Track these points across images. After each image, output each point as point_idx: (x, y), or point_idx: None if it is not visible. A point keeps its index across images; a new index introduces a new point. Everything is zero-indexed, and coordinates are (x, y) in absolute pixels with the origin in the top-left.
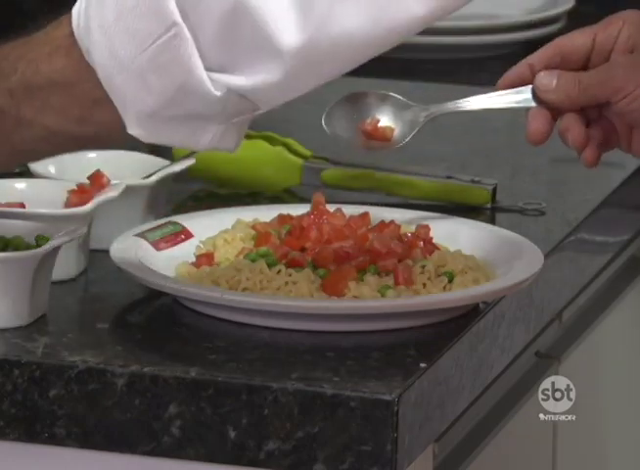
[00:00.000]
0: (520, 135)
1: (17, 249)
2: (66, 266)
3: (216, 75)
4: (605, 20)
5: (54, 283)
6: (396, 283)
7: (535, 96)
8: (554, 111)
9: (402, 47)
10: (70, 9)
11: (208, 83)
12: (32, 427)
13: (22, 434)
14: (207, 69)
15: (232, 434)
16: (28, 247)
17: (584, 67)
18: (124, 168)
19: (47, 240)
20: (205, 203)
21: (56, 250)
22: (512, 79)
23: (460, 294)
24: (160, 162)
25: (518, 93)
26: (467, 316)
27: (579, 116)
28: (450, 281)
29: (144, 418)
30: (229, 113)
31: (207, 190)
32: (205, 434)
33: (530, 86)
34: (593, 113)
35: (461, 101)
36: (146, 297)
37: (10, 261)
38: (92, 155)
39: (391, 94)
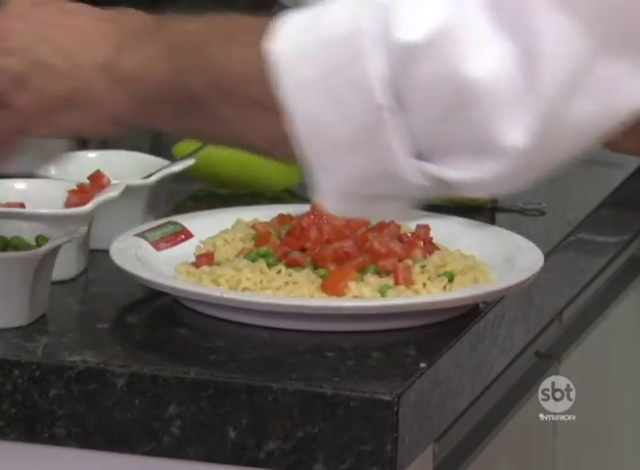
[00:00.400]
0: None
1: (17, 249)
2: (66, 266)
3: (420, 164)
4: None
5: (54, 283)
6: (396, 283)
7: None
8: None
9: None
10: None
11: (410, 170)
12: (32, 427)
13: (22, 434)
14: (411, 155)
15: (232, 434)
16: (28, 247)
17: None
18: (124, 168)
19: (47, 240)
20: (206, 203)
21: (56, 250)
22: None
23: (460, 294)
24: (160, 162)
25: None
26: (467, 316)
27: None
28: (450, 281)
29: (144, 418)
30: (427, 194)
31: (207, 190)
32: (205, 434)
33: None
34: None
35: None
36: (146, 297)
37: (10, 261)
38: (92, 155)
39: None
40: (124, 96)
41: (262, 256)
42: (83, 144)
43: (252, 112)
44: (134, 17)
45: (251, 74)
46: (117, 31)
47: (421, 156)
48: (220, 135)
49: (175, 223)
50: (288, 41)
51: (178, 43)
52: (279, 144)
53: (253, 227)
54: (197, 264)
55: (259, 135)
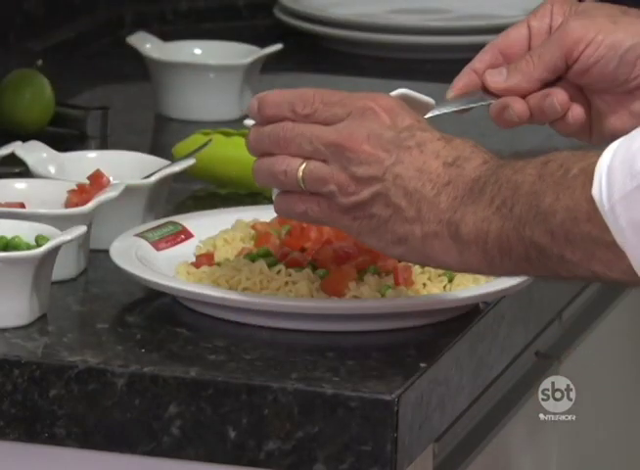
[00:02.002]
0: (520, 136)
1: (17, 249)
2: (66, 266)
3: None
4: (533, 10)
5: (54, 283)
6: (396, 283)
7: (490, 93)
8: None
9: (402, 47)
10: (71, 10)
11: None
12: (32, 427)
13: (22, 434)
14: None
15: (232, 434)
16: (28, 247)
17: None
18: (124, 168)
19: (47, 240)
20: (205, 203)
21: (56, 250)
22: (460, 88)
23: (460, 294)
24: (160, 162)
25: (470, 95)
26: (467, 316)
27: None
28: (450, 281)
29: (144, 418)
30: None
31: (207, 190)
32: (205, 434)
33: (480, 91)
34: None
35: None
36: (146, 297)
37: (10, 261)
38: (92, 155)
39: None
40: (456, 251)
41: (262, 256)
42: (83, 144)
43: (598, 249)
44: (474, 161)
45: (584, 217)
46: (458, 182)
47: None
48: (567, 275)
49: (175, 223)
50: (612, 189)
51: (511, 198)
52: (634, 275)
53: (253, 227)
54: (197, 264)
55: (613, 270)
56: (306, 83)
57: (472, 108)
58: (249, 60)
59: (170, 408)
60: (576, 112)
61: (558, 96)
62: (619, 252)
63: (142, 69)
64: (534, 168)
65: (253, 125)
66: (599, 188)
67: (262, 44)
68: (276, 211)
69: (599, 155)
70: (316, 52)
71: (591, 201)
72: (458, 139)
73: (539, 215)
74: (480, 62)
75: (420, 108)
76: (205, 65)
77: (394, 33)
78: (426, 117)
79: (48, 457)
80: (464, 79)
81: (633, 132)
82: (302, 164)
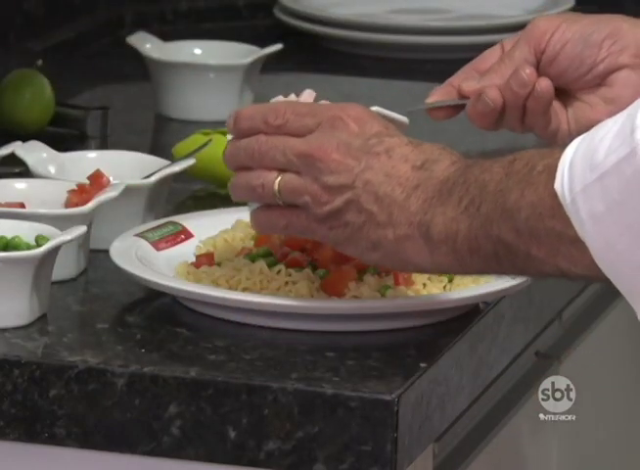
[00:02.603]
0: (520, 136)
1: (17, 249)
2: (66, 266)
3: None
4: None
5: (54, 283)
6: (396, 283)
7: (467, 98)
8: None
9: (402, 47)
10: (71, 10)
11: None
12: (32, 427)
13: (22, 434)
14: None
15: (232, 434)
16: (28, 247)
17: None
18: (124, 168)
19: (47, 240)
20: (206, 203)
21: (56, 250)
22: (437, 97)
23: (460, 294)
24: (160, 162)
25: (448, 101)
26: (467, 316)
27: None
28: (450, 281)
29: (144, 418)
30: None
31: (207, 190)
32: (205, 434)
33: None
34: None
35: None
36: (146, 297)
37: (10, 261)
38: (92, 155)
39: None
40: (428, 252)
41: (262, 256)
42: (83, 144)
43: (562, 245)
44: (442, 164)
45: (548, 212)
46: (427, 185)
47: None
48: (534, 272)
49: (175, 223)
50: (573, 182)
51: (478, 197)
52: (598, 270)
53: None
54: (197, 264)
55: (577, 265)
56: (306, 83)
57: (447, 105)
58: (249, 60)
59: (170, 408)
60: (543, 83)
61: (525, 69)
62: (583, 247)
63: (142, 69)
64: (501, 167)
65: (230, 140)
66: (561, 182)
67: (262, 44)
68: (255, 227)
69: (562, 152)
70: (316, 52)
71: (554, 196)
72: (426, 143)
73: (505, 213)
74: (456, 79)
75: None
76: (205, 65)
77: (394, 33)
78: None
79: (48, 457)
80: (440, 91)
81: (595, 127)
82: (278, 176)
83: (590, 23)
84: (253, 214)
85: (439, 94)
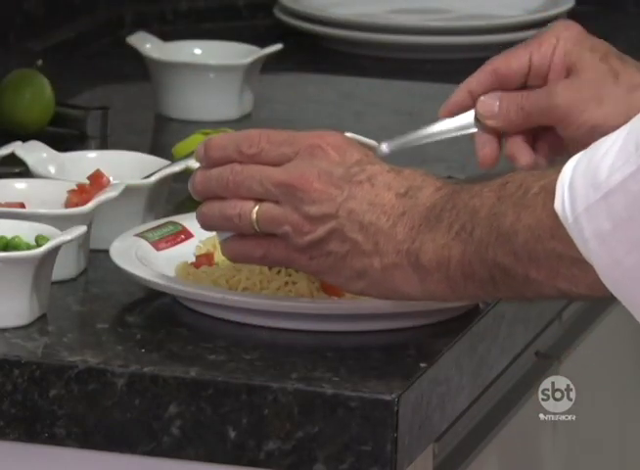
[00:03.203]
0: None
1: (17, 249)
2: (66, 266)
3: None
4: (538, 36)
5: (54, 283)
6: None
7: (478, 121)
8: (498, 132)
9: (402, 47)
10: (71, 10)
11: None
12: (32, 427)
13: (22, 434)
14: None
15: (232, 434)
16: (28, 247)
17: (523, 86)
18: (124, 168)
19: (47, 240)
20: None
21: (56, 250)
22: (453, 108)
23: None
24: (160, 162)
25: (461, 120)
26: (467, 316)
27: (524, 137)
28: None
29: (144, 418)
30: None
31: None
32: (205, 434)
33: (472, 112)
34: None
35: (409, 136)
36: (146, 297)
37: (10, 261)
38: (92, 155)
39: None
40: (418, 280)
41: None
42: (83, 144)
43: (562, 266)
44: (426, 190)
45: (547, 234)
46: (413, 212)
47: None
48: (533, 295)
49: (175, 223)
50: (575, 202)
51: (470, 222)
52: (599, 289)
53: None
54: (197, 264)
55: (578, 286)
56: (306, 83)
57: (458, 135)
58: (249, 60)
59: (170, 408)
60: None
61: (522, 159)
62: (584, 266)
63: (142, 69)
64: (492, 191)
65: (198, 169)
66: (561, 202)
67: (262, 44)
68: (230, 257)
69: (558, 172)
70: (316, 52)
71: (554, 216)
72: (407, 170)
73: (501, 237)
74: (477, 83)
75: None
76: (205, 65)
77: (394, 33)
78: (413, 135)
79: (48, 457)
80: (458, 98)
81: (592, 146)
82: (255, 206)
83: (605, 118)
84: (226, 244)
85: (456, 102)
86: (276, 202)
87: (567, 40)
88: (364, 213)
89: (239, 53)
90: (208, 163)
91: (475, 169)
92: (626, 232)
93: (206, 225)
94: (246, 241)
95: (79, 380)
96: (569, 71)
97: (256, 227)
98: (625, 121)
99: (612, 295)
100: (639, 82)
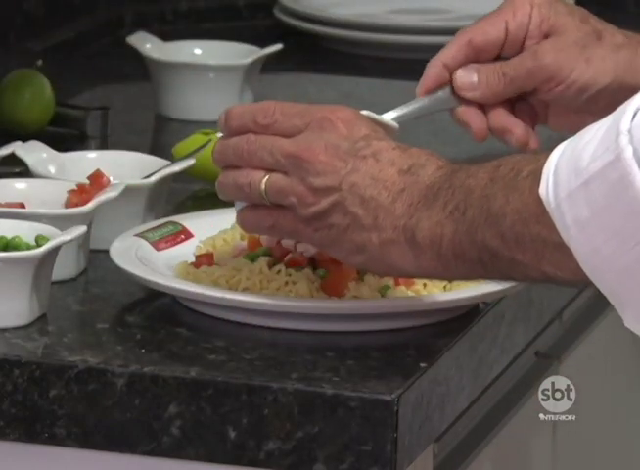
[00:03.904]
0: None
1: (17, 249)
2: (66, 266)
3: None
4: (509, 2)
5: (54, 283)
6: (396, 283)
7: (457, 96)
8: (478, 105)
9: (402, 47)
10: (71, 10)
11: None
12: (32, 427)
13: (22, 434)
14: None
15: (232, 434)
16: (28, 247)
17: (498, 56)
18: (124, 168)
19: (47, 240)
20: (206, 203)
21: (56, 250)
22: (430, 85)
23: (460, 294)
24: (160, 162)
25: (439, 95)
26: (467, 316)
27: (508, 109)
28: (450, 281)
29: (144, 418)
30: None
31: (207, 190)
32: (205, 434)
33: (449, 87)
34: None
35: (384, 115)
36: (146, 297)
37: (10, 261)
38: (92, 155)
39: None
40: (413, 257)
41: (262, 255)
42: (83, 144)
43: (547, 250)
44: (428, 168)
45: (533, 218)
46: (413, 189)
47: None
48: (520, 278)
49: (175, 223)
50: (558, 188)
51: (464, 202)
52: (583, 274)
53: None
54: (197, 264)
55: (562, 270)
56: (306, 83)
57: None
58: (249, 60)
59: (170, 408)
60: (533, 145)
61: (517, 134)
62: (568, 251)
63: (142, 69)
64: (487, 173)
65: (220, 138)
66: (546, 187)
67: (262, 44)
68: (242, 226)
69: (547, 157)
70: (316, 52)
71: (539, 201)
72: (414, 148)
73: (490, 218)
74: (452, 57)
75: (383, 130)
76: (205, 65)
77: (394, 33)
78: (390, 115)
79: (48, 457)
80: (434, 74)
81: (580, 132)
82: (265, 176)
83: (595, 76)
84: (240, 214)
85: (433, 79)
86: (285, 173)
87: (541, 5)
88: (366, 188)
89: (239, 53)
90: (228, 131)
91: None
92: (604, 220)
93: (222, 193)
94: (257, 211)
95: (79, 380)
96: (547, 37)
97: (265, 197)
98: (612, 81)
99: None
100: (622, 42)
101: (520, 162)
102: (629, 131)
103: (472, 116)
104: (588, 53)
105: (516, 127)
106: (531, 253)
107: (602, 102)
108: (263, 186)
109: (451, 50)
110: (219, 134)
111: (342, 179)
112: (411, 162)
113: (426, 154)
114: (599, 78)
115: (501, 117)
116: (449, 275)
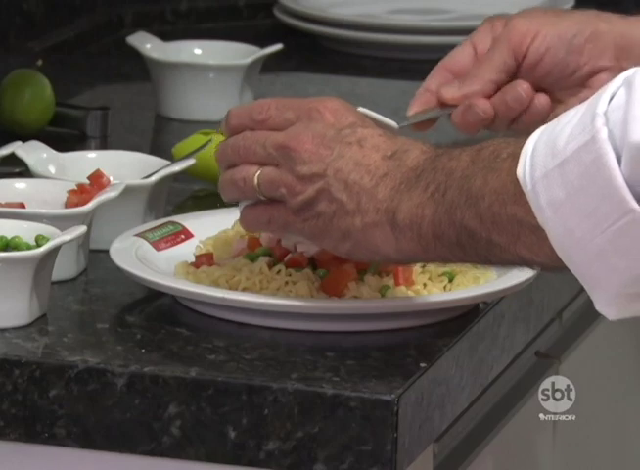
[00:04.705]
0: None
1: (17, 249)
2: (66, 266)
3: None
4: (474, 32)
5: (54, 283)
6: (396, 283)
7: (449, 106)
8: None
9: (402, 47)
10: (71, 10)
11: None
12: (32, 427)
13: (22, 434)
14: None
15: (232, 434)
16: (28, 247)
17: None
18: (124, 168)
19: (47, 240)
20: (206, 203)
21: (56, 250)
22: (418, 107)
23: (460, 294)
24: (160, 162)
25: (430, 111)
26: (467, 316)
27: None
28: (450, 281)
29: (144, 418)
30: None
31: (207, 190)
32: (205, 434)
33: (438, 107)
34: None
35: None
36: (146, 297)
37: (10, 261)
38: (92, 155)
39: None
40: (394, 239)
41: (262, 255)
42: (83, 144)
43: (522, 232)
44: (412, 153)
45: (510, 199)
46: (396, 173)
47: None
48: (497, 260)
49: (175, 223)
50: (534, 169)
51: (444, 184)
52: (557, 258)
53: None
54: (196, 264)
55: (537, 253)
56: (306, 83)
57: (435, 118)
58: (249, 60)
59: (170, 408)
60: (542, 98)
61: (522, 85)
62: (543, 234)
63: (142, 69)
64: (468, 155)
65: (222, 141)
66: (523, 168)
67: (262, 44)
68: (243, 225)
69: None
70: (316, 52)
71: (517, 182)
72: (401, 137)
73: (469, 199)
74: (432, 82)
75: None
76: (205, 65)
77: (394, 33)
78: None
79: (48, 457)
80: (420, 100)
81: (559, 115)
82: (258, 170)
83: (570, 25)
84: (241, 213)
85: (419, 104)
86: (276, 165)
87: (499, 18)
88: (349, 173)
89: (239, 53)
90: (229, 132)
91: None
92: (578, 202)
93: (223, 194)
94: (255, 207)
95: (79, 380)
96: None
97: (259, 192)
98: (587, 30)
99: None
100: (593, 11)
101: (501, 144)
102: (605, 113)
103: (473, 99)
104: (558, 14)
105: (521, 82)
106: (507, 234)
107: (586, 58)
108: (256, 180)
109: (430, 78)
110: (222, 137)
111: (328, 166)
112: (395, 147)
113: (411, 140)
114: (571, 27)
115: (499, 92)
116: (428, 257)
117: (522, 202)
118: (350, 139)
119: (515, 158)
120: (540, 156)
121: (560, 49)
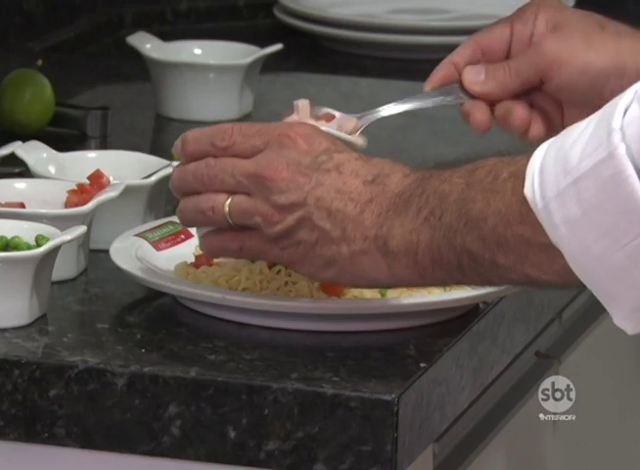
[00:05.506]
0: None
1: (17, 249)
2: (66, 266)
3: None
4: (518, 9)
5: (54, 283)
6: None
7: (466, 92)
8: (487, 102)
9: (402, 47)
10: (71, 10)
11: None
12: (32, 427)
13: (22, 434)
14: None
15: (232, 434)
16: (28, 247)
17: (506, 58)
18: (124, 168)
19: (47, 240)
20: None
21: (56, 250)
22: (438, 82)
23: (460, 294)
24: (160, 162)
25: (447, 91)
26: (467, 316)
27: (515, 99)
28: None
29: (144, 418)
30: None
31: None
32: (205, 434)
33: (457, 84)
34: (526, 100)
35: (392, 105)
36: (146, 297)
37: (10, 261)
38: (92, 155)
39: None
40: (386, 266)
41: None
42: (83, 144)
43: (531, 252)
44: (394, 177)
45: (516, 219)
46: (381, 198)
47: None
48: (499, 281)
49: (175, 223)
50: (545, 187)
51: (439, 208)
52: (567, 276)
53: None
54: (196, 264)
55: (546, 272)
56: (306, 83)
57: (445, 104)
58: (249, 60)
59: (170, 408)
60: (537, 131)
61: (519, 112)
62: (553, 252)
63: (142, 69)
64: (461, 177)
65: (177, 165)
66: (531, 187)
67: (262, 44)
68: (207, 252)
69: (528, 158)
70: (316, 52)
71: (523, 202)
72: (376, 158)
73: (470, 222)
74: (460, 56)
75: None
76: (205, 65)
77: (394, 33)
78: (401, 107)
79: (48, 457)
80: (443, 71)
81: (564, 131)
82: (228, 198)
83: (596, 58)
84: (204, 239)
85: (442, 75)
86: (248, 194)
87: (548, 7)
88: (332, 201)
89: (239, 53)
90: (186, 157)
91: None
92: (596, 219)
93: (185, 221)
94: (222, 235)
95: (79, 380)
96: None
97: (230, 220)
98: (612, 65)
99: (579, 282)
100: (625, 30)
101: (497, 164)
102: (621, 129)
103: (476, 107)
104: (590, 38)
105: (518, 107)
106: (514, 255)
107: (607, 92)
108: (227, 209)
109: (460, 51)
110: (174, 163)
111: (307, 194)
112: (375, 172)
113: (389, 163)
114: (600, 58)
115: (506, 103)
116: (425, 282)
117: (529, 221)
118: (328, 166)
119: (518, 177)
120: (551, 174)
121: (582, 84)
